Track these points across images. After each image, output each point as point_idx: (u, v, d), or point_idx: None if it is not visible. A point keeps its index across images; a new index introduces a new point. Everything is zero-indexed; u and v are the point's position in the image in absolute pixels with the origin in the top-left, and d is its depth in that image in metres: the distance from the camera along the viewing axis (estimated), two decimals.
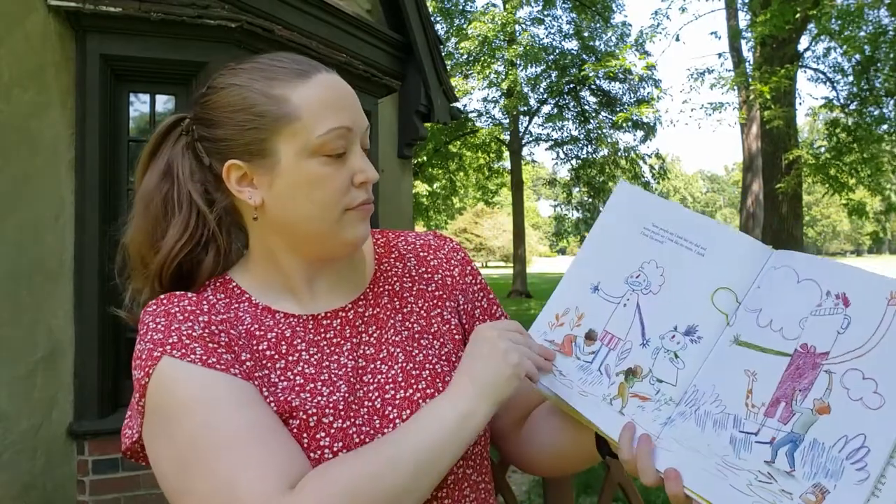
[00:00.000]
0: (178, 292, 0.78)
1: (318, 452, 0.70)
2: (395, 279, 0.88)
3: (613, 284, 0.77)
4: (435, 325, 0.85)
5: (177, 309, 0.74)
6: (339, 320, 0.82)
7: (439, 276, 0.90)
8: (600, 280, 0.78)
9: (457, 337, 0.86)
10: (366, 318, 0.83)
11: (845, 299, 0.63)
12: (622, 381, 0.73)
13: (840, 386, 0.60)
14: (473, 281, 0.92)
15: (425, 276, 0.90)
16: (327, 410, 0.73)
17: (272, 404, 0.72)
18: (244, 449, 0.65)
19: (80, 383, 2.84)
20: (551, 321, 0.80)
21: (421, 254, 0.92)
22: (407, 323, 0.84)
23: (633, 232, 0.77)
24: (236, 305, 0.81)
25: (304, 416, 0.71)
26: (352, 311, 0.83)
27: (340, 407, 0.73)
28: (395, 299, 0.86)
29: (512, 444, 0.91)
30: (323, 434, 0.71)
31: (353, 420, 0.73)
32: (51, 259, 2.77)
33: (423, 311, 0.86)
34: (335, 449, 0.70)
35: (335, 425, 0.72)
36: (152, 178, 0.84)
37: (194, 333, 0.72)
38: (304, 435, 0.70)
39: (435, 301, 0.87)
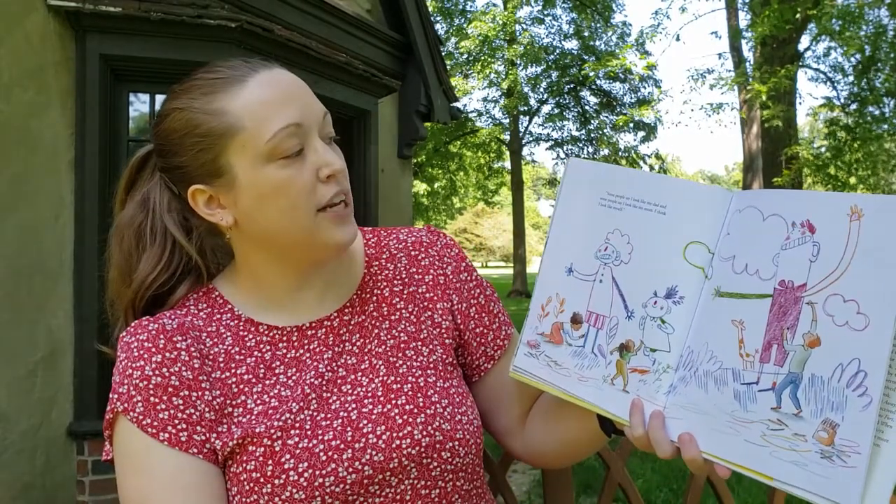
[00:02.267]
0: (145, 319, 0.76)
1: (284, 477, 0.69)
2: (385, 283, 0.85)
3: (585, 262, 0.74)
4: (424, 331, 0.83)
5: (135, 345, 0.74)
6: (323, 329, 0.80)
7: (431, 276, 0.87)
8: (572, 261, 0.75)
9: (447, 341, 0.84)
10: (350, 327, 0.81)
11: (810, 226, 0.61)
12: (618, 359, 0.71)
13: (824, 314, 0.59)
14: (469, 278, 0.89)
15: (416, 276, 0.87)
16: (292, 431, 0.71)
17: (238, 432, 0.72)
18: None
19: (80, 383, 2.84)
20: (539, 313, 0.78)
21: (412, 253, 0.88)
22: (394, 331, 0.82)
23: (592, 205, 0.74)
24: (218, 317, 0.79)
25: (269, 442, 0.70)
26: (337, 320, 0.81)
27: (307, 426, 0.72)
28: (384, 305, 0.84)
29: (517, 440, 0.89)
30: (288, 456, 0.70)
31: (320, 437, 0.71)
32: (51, 259, 2.77)
33: (412, 317, 0.84)
34: (300, 470, 0.69)
35: (300, 445, 0.70)
36: (127, 212, 0.83)
37: (141, 383, 0.71)
38: (269, 461, 0.70)
39: (426, 304, 0.85)
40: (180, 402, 0.71)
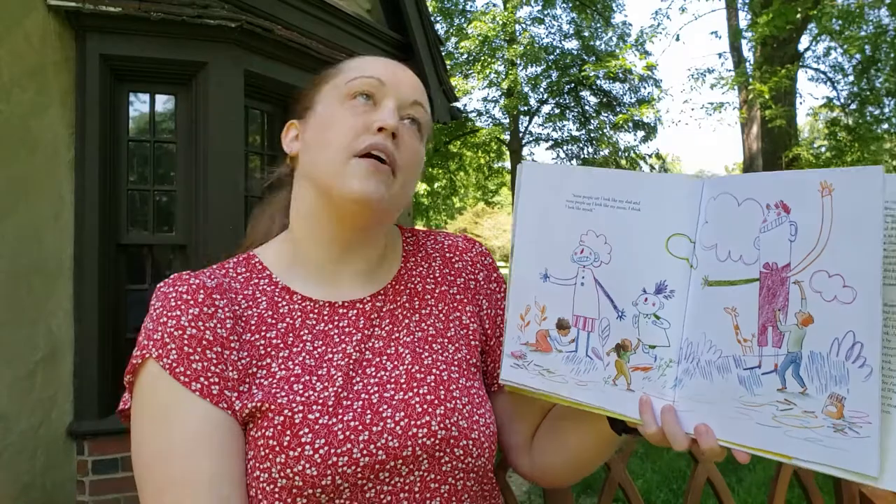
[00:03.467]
0: (186, 273, 0.77)
1: (299, 449, 0.69)
2: (419, 279, 0.88)
3: (561, 267, 0.73)
4: (452, 330, 0.84)
5: (174, 295, 0.74)
6: (355, 311, 0.81)
7: (462, 279, 0.89)
8: (546, 266, 0.74)
9: (473, 343, 0.85)
10: (382, 313, 0.83)
11: (784, 206, 0.61)
12: (617, 359, 0.70)
13: (812, 292, 0.59)
14: (498, 288, 0.91)
15: (449, 277, 0.89)
16: (314, 406, 0.72)
17: (259, 395, 0.72)
18: (187, 502, 0.67)
19: (80, 383, 2.84)
20: (518, 323, 0.77)
21: (447, 255, 0.91)
22: (423, 324, 0.83)
23: (558, 208, 0.73)
24: (255, 281, 0.81)
25: (290, 413, 0.71)
26: (369, 304, 0.83)
27: (330, 403, 0.72)
28: (416, 299, 0.86)
29: (525, 457, 0.89)
30: (306, 430, 0.70)
31: (340, 416, 0.72)
32: (51, 259, 2.77)
33: (441, 315, 0.85)
34: (317, 445, 0.69)
35: (320, 421, 0.71)
36: (283, 194, 0.95)
37: (176, 332, 0.71)
38: (287, 432, 0.70)
39: (455, 304, 0.87)
40: (213, 356, 0.72)
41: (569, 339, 0.73)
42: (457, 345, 0.83)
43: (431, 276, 0.88)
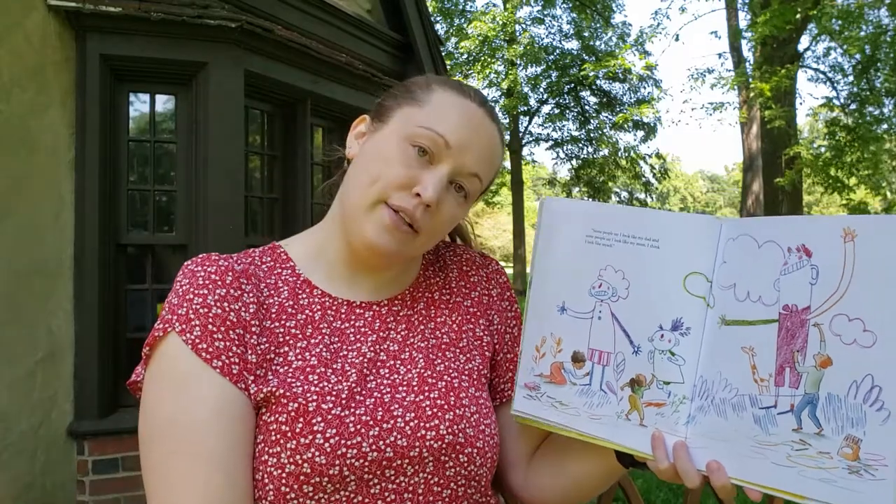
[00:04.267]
0: (214, 255, 0.78)
1: (311, 437, 0.70)
2: (436, 288, 0.89)
3: (579, 300, 0.75)
4: (464, 340, 0.85)
5: (202, 274, 0.75)
6: (371, 312, 0.83)
7: (477, 293, 0.91)
8: (564, 300, 0.76)
9: (486, 353, 0.86)
10: (398, 317, 0.84)
11: (806, 250, 0.62)
12: (631, 394, 0.71)
13: (832, 334, 0.60)
14: (509, 307, 0.93)
15: (464, 290, 0.90)
16: (328, 397, 0.72)
17: (275, 381, 0.72)
18: (192, 471, 0.67)
19: (80, 383, 2.84)
20: (534, 354, 0.78)
21: (464, 268, 0.93)
22: (437, 332, 0.84)
23: (577, 243, 0.75)
24: (279, 271, 0.82)
25: (304, 402, 0.71)
26: (386, 308, 0.84)
27: (343, 396, 0.73)
28: (431, 307, 0.87)
29: (519, 475, 0.88)
30: (319, 419, 0.71)
31: (352, 409, 0.73)
32: (51, 259, 2.77)
33: (454, 325, 0.86)
34: (328, 435, 0.70)
35: (333, 412, 0.71)
36: None
37: (202, 309, 0.72)
38: (300, 419, 0.70)
39: (468, 317, 0.88)
40: (235, 338, 0.73)
41: (583, 373, 0.74)
42: (468, 355, 0.84)
43: (448, 286, 0.90)
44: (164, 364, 0.71)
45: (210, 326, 0.71)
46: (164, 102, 3.16)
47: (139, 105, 3.12)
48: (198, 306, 0.72)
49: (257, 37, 3.11)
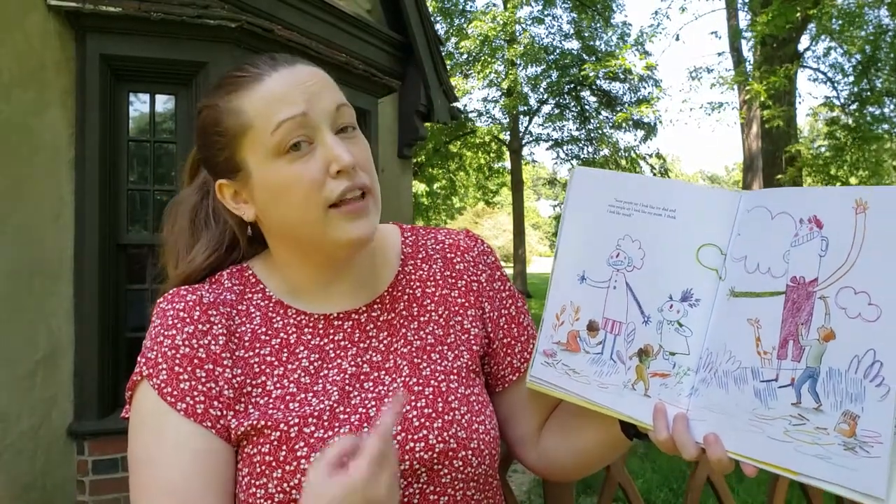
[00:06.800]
0: (183, 289, 0.78)
1: (295, 463, 0.69)
2: (418, 283, 0.85)
3: (597, 270, 0.75)
4: (452, 335, 0.83)
5: (171, 313, 0.75)
6: (350, 322, 0.80)
7: (464, 281, 0.86)
8: (584, 269, 0.76)
9: (475, 348, 0.84)
10: (378, 324, 0.81)
11: (817, 221, 0.62)
12: (638, 364, 0.71)
13: (837, 308, 0.59)
14: (502, 287, 0.89)
15: (450, 280, 0.86)
16: (310, 420, 0.72)
17: (256, 414, 0.72)
18: None
19: (80, 383, 2.84)
20: (554, 322, 0.78)
21: (448, 255, 0.88)
22: (421, 332, 0.82)
23: (601, 212, 0.75)
24: (249, 296, 0.80)
25: (286, 428, 0.71)
26: (365, 315, 0.81)
27: (325, 417, 0.72)
28: (414, 305, 0.84)
29: (532, 451, 0.88)
30: (302, 444, 0.70)
31: (336, 430, 0.71)
32: (51, 259, 2.77)
33: (441, 320, 0.83)
34: (312, 459, 0.68)
35: (315, 435, 0.71)
36: (186, 191, 0.88)
37: (169, 352, 0.73)
38: (283, 447, 0.70)
39: (457, 308, 0.85)
40: (203, 374, 0.73)
41: (596, 341, 0.75)
42: (457, 351, 0.82)
43: (432, 278, 0.86)
44: (139, 409, 0.74)
45: (176, 368, 0.72)
46: (164, 102, 3.16)
47: (139, 105, 3.12)
48: (166, 349, 0.73)
49: (257, 37, 3.11)
